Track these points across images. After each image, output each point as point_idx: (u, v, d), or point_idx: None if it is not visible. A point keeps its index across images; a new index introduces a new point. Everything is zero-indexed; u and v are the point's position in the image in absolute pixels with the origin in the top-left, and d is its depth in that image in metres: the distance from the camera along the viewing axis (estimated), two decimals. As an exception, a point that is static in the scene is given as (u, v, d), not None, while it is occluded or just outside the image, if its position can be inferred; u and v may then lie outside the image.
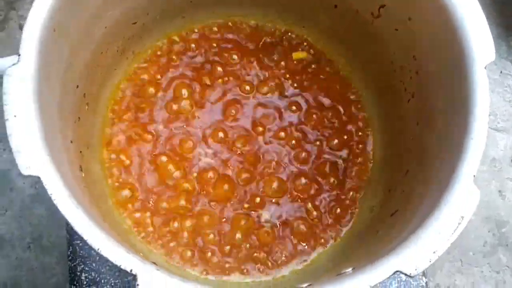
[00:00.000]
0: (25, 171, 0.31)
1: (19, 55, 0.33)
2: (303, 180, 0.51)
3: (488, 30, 0.35)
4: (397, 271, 0.31)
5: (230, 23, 0.55)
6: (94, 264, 0.52)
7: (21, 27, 0.81)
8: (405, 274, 0.31)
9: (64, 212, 0.30)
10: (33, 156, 0.31)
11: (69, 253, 0.53)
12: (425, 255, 0.31)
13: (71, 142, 0.40)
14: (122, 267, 0.30)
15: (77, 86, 0.42)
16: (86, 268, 0.52)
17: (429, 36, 0.40)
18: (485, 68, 0.35)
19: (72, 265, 0.53)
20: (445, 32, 0.37)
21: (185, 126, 0.51)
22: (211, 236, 0.49)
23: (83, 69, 0.43)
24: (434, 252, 0.31)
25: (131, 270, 0.30)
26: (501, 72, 0.85)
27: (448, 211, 0.32)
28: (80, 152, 0.43)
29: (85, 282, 0.52)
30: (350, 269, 0.34)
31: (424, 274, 0.55)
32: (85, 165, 0.43)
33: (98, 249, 0.30)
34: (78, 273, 0.52)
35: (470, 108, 0.34)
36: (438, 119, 0.40)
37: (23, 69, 0.33)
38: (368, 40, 0.49)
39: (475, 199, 0.32)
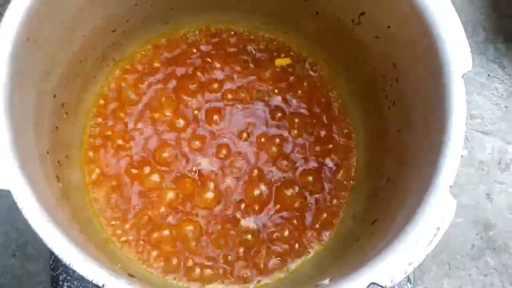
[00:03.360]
0: (-5, 185, 0.30)
1: (-10, 66, 0.33)
2: (286, 188, 0.51)
3: (465, 40, 0.35)
4: (372, 283, 0.31)
5: (213, 30, 0.55)
6: (76, 273, 0.51)
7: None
8: (381, 286, 0.31)
9: (34, 227, 0.30)
10: (3, 170, 0.31)
11: (51, 262, 0.53)
12: (400, 267, 0.31)
13: (48, 152, 0.40)
14: (94, 282, 0.29)
15: (54, 96, 0.42)
16: (69, 277, 0.52)
17: (408, 44, 0.40)
18: (462, 77, 0.35)
19: (54, 274, 0.52)
20: (423, 41, 0.37)
21: (166, 134, 0.51)
22: (192, 244, 0.48)
23: (61, 78, 0.43)
24: (409, 264, 0.31)
25: (103, 285, 0.29)
26: (488, 75, 0.86)
27: (424, 222, 0.32)
28: (58, 162, 0.42)
29: (67, 291, 0.51)
30: (327, 280, 0.34)
31: (409, 280, 0.55)
32: (63, 175, 0.43)
33: (70, 264, 0.30)
34: (61, 282, 0.52)
35: (447, 118, 0.34)
36: (417, 127, 0.40)
37: (-6, 80, 0.33)
38: (350, 47, 0.49)
39: (451, 210, 0.32)
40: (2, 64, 0.33)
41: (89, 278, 0.29)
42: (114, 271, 0.31)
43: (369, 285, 0.31)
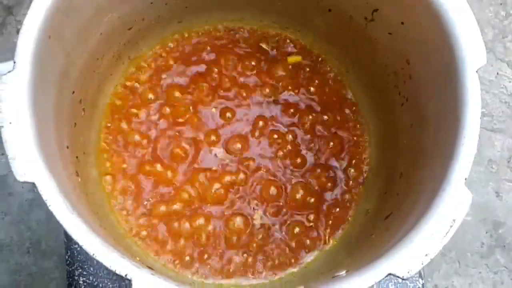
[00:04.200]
0: (20, 178, 0.31)
1: (14, 62, 0.34)
2: (299, 183, 0.51)
3: (479, 35, 0.36)
4: (389, 274, 0.31)
5: (226, 28, 0.55)
6: (92, 268, 0.52)
7: (18, 32, 0.82)
8: (398, 277, 0.31)
9: (59, 218, 0.31)
10: (28, 163, 0.31)
11: (67, 257, 0.53)
12: (417, 258, 0.32)
13: (67, 147, 0.40)
14: (117, 272, 0.30)
15: (73, 92, 0.43)
16: (84, 273, 0.52)
17: (421, 41, 0.40)
18: (476, 72, 0.35)
19: (70, 269, 0.53)
20: (437, 37, 0.37)
21: (180, 131, 0.52)
22: (207, 239, 0.49)
23: (79, 75, 0.43)
24: (426, 255, 0.32)
25: (126, 275, 0.30)
26: (497, 73, 0.86)
27: (440, 214, 0.32)
28: (77, 157, 0.43)
29: (83, 287, 0.52)
30: (344, 272, 0.34)
31: (420, 275, 0.55)
32: (81, 170, 0.44)
33: (94, 254, 0.30)
34: (76, 278, 0.53)
35: (461, 112, 0.34)
36: (431, 123, 0.40)
37: (19, 77, 0.34)
38: (363, 44, 0.49)
39: (466, 202, 0.33)
40: (26, 63, 0.34)
41: (113, 268, 0.30)
42: (135, 262, 0.32)
43: (386, 276, 0.31)
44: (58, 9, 0.37)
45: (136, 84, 0.53)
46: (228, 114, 0.52)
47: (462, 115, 0.35)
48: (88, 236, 0.31)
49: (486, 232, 0.80)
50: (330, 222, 0.51)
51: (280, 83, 0.54)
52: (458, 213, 0.32)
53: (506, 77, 0.86)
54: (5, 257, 0.74)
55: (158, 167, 0.50)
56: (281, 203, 0.51)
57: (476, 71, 0.35)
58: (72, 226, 0.31)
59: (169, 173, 0.50)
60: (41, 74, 0.36)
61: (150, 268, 0.36)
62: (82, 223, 0.31)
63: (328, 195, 0.51)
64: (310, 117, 0.53)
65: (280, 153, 0.52)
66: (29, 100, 0.34)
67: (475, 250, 0.80)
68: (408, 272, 0.31)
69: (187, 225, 0.49)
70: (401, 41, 0.44)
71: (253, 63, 0.54)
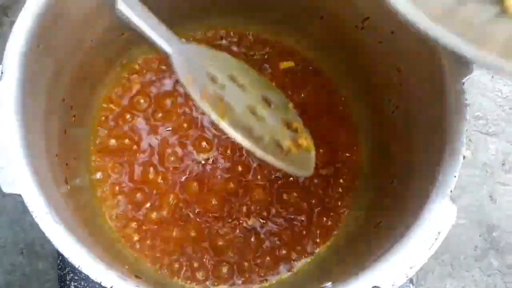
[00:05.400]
0: (6, 189, 0.31)
1: (1, 72, 0.34)
2: (289, 189, 0.51)
3: (466, 46, 0.35)
4: (374, 287, 0.31)
5: (218, 33, 0.55)
6: (83, 273, 0.52)
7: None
8: (382, 290, 0.31)
9: (45, 230, 0.31)
10: (14, 175, 0.31)
11: (58, 261, 0.54)
12: (402, 270, 0.32)
13: (56, 155, 0.40)
14: (103, 284, 0.30)
15: (63, 99, 0.43)
16: (76, 277, 0.52)
17: (411, 50, 0.40)
18: (463, 83, 0.35)
19: (62, 273, 0.53)
20: (426, 47, 0.38)
21: (173, 136, 0.52)
22: (197, 246, 0.49)
23: (70, 82, 0.43)
24: (411, 268, 0.32)
25: (111, 287, 0.30)
26: (492, 77, 0.86)
27: (425, 227, 0.33)
28: (66, 164, 0.43)
29: (74, 291, 0.52)
30: (329, 284, 0.34)
31: (411, 281, 0.55)
32: (71, 177, 0.44)
33: (79, 266, 0.30)
34: (68, 282, 0.53)
35: (447, 124, 0.35)
36: (420, 132, 0.40)
37: (6, 87, 0.34)
38: (355, 51, 0.49)
39: (452, 215, 0.33)
40: (14, 73, 0.34)
41: (98, 280, 0.30)
42: (122, 273, 0.32)
43: (372, 288, 0.31)
44: (46, 18, 0.37)
45: (128, 90, 0.53)
46: (220, 120, 0.52)
47: (449, 126, 0.35)
48: (75, 249, 0.31)
49: (480, 235, 0.81)
50: (321, 228, 0.51)
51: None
52: (443, 225, 0.33)
53: (501, 80, 0.85)
54: (0, 257, 0.74)
55: (150, 173, 0.51)
56: (271, 209, 0.51)
57: (463, 83, 0.35)
58: (58, 239, 0.31)
59: (161, 179, 0.50)
60: (30, 83, 0.36)
61: (138, 277, 0.37)
62: (69, 235, 0.31)
63: (319, 201, 0.51)
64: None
65: (272, 158, 0.52)
66: (17, 110, 0.34)
67: (468, 253, 0.80)
68: (393, 285, 0.31)
69: (177, 231, 0.49)
70: (391, 49, 0.44)
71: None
